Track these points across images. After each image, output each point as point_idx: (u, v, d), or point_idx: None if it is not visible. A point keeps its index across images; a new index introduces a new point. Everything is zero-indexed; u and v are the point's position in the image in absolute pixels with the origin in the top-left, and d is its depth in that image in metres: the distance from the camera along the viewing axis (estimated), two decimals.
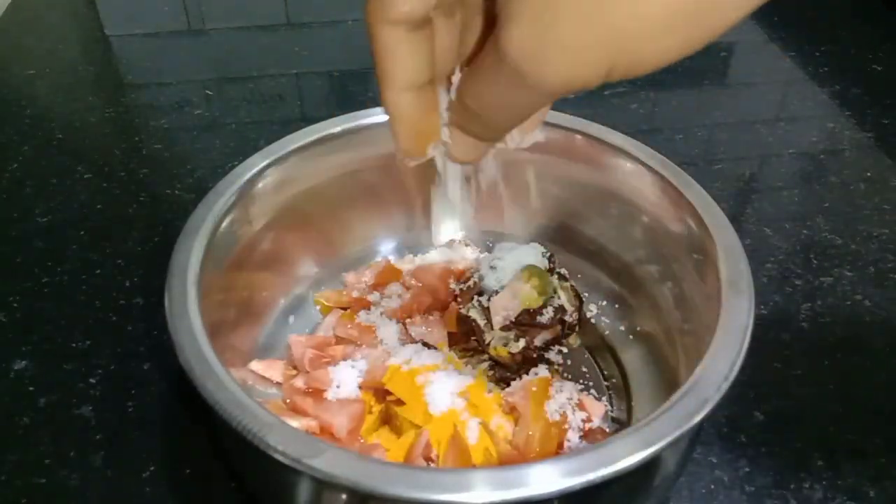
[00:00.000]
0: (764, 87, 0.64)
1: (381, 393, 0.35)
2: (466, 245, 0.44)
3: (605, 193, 0.40)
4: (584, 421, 0.35)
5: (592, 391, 0.37)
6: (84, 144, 0.57)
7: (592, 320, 0.40)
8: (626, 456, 0.24)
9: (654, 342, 0.38)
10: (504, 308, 0.35)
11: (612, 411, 0.36)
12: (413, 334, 0.38)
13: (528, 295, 0.35)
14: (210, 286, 0.32)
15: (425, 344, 0.38)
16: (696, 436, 0.34)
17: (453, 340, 0.38)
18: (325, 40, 0.70)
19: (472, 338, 0.37)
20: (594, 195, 0.40)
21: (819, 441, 0.36)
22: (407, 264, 0.43)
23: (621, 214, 0.39)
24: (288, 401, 0.35)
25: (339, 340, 0.39)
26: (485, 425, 0.34)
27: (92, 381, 0.39)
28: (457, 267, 0.42)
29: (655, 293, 0.38)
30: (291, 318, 0.40)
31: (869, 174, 0.53)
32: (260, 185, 0.37)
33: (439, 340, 0.38)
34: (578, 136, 0.39)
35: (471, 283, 0.37)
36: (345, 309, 0.40)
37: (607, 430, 0.35)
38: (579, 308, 0.37)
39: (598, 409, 0.35)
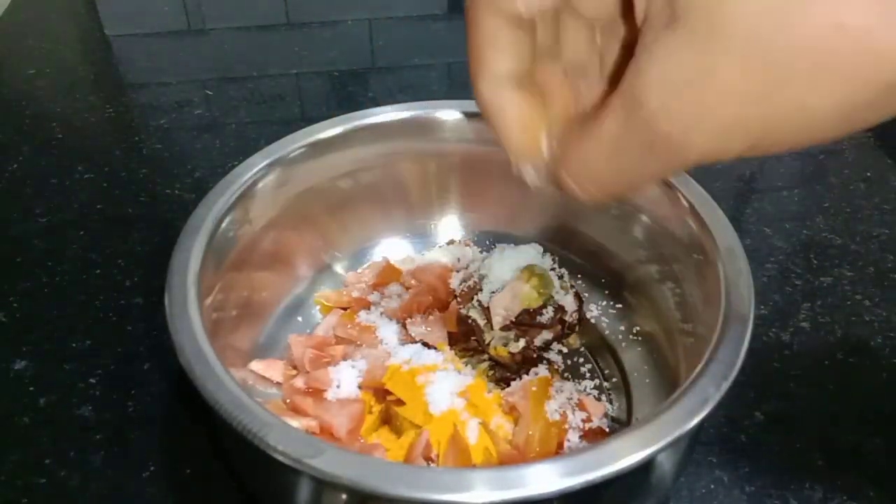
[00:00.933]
0: None
1: (381, 393, 0.35)
2: (466, 245, 0.44)
3: None
4: (584, 421, 0.35)
5: (592, 391, 0.37)
6: (84, 144, 0.57)
7: (592, 320, 0.40)
8: (626, 456, 0.24)
9: (654, 342, 0.38)
10: (504, 308, 0.35)
11: (612, 411, 0.36)
12: (413, 334, 0.38)
13: (528, 295, 0.35)
14: (210, 286, 0.32)
15: (425, 344, 0.38)
16: (696, 436, 0.34)
17: (453, 340, 0.38)
18: (325, 40, 0.70)
19: (472, 338, 0.37)
20: None
21: (819, 441, 0.36)
22: (407, 264, 0.43)
23: (621, 214, 0.39)
24: (288, 401, 0.35)
25: (339, 340, 0.39)
26: (485, 425, 0.34)
27: (92, 381, 0.39)
28: (457, 267, 0.42)
29: (655, 293, 0.38)
30: (291, 319, 0.40)
31: (869, 174, 0.53)
32: (260, 185, 0.37)
33: (439, 340, 0.38)
34: None
35: (471, 283, 0.37)
36: (345, 309, 0.40)
37: (607, 430, 0.35)
38: (579, 308, 0.37)
39: (598, 409, 0.35)
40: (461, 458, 0.33)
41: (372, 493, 0.23)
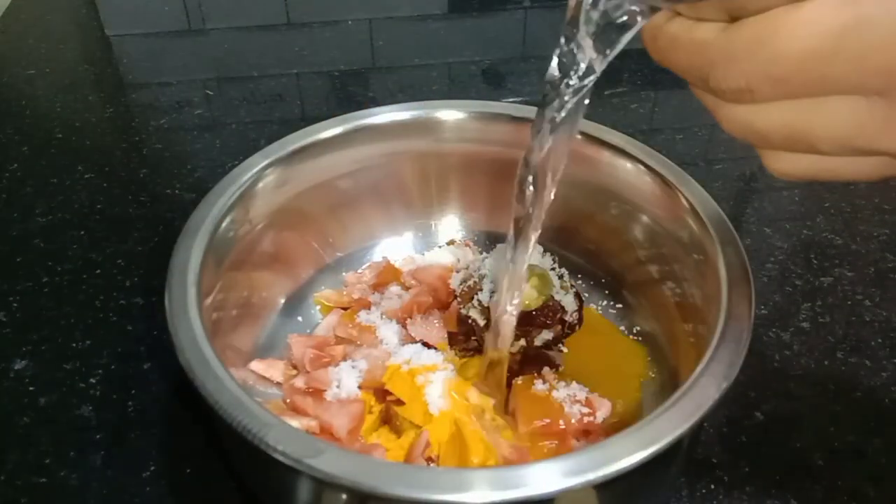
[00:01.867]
0: None
1: (381, 393, 0.35)
2: (466, 245, 0.44)
3: (605, 193, 0.40)
4: (584, 415, 0.34)
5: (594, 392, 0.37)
6: (84, 144, 0.57)
7: None
8: (626, 456, 0.24)
9: (654, 342, 0.38)
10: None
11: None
12: (413, 334, 0.38)
13: (528, 295, 0.35)
14: (210, 286, 0.32)
15: (425, 344, 0.38)
16: (697, 436, 0.34)
17: (453, 340, 0.38)
18: (325, 40, 0.70)
19: (472, 338, 0.37)
20: (594, 195, 0.40)
21: (819, 441, 0.36)
22: (407, 264, 0.43)
23: (621, 214, 0.39)
24: (288, 401, 0.35)
25: (339, 340, 0.39)
26: (484, 424, 0.34)
27: (92, 381, 0.39)
28: (457, 267, 0.42)
29: (655, 293, 0.38)
30: (291, 319, 0.40)
31: None
32: (260, 185, 0.37)
33: (439, 340, 0.38)
34: (578, 136, 0.39)
35: (471, 283, 0.37)
36: (345, 309, 0.40)
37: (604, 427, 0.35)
38: (579, 308, 0.37)
39: (604, 407, 0.35)
40: (461, 458, 0.33)
41: (372, 493, 0.23)
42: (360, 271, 0.43)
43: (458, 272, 0.40)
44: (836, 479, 0.34)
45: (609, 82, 0.63)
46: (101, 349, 0.40)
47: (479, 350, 0.37)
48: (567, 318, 0.36)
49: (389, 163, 0.41)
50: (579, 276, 0.41)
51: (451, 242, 0.44)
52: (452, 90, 0.63)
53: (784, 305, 0.43)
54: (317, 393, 0.35)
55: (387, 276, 0.42)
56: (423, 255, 0.44)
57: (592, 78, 0.23)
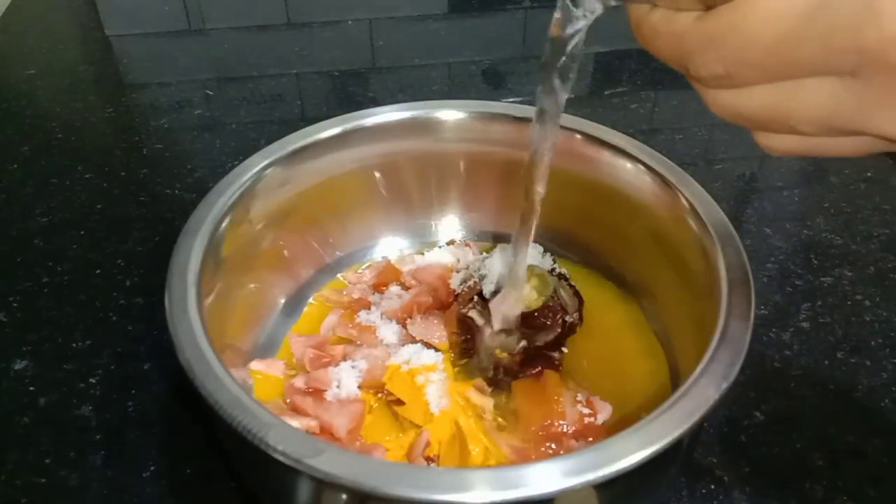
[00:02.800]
0: None
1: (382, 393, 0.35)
2: (466, 245, 0.44)
3: (605, 193, 0.40)
4: (585, 416, 0.34)
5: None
6: (84, 144, 0.57)
7: None
8: (626, 456, 0.24)
9: (654, 342, 0.38)
10: (504, 308, 0.35)
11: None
12: (413, 334, 0.38)
13: (528, 295, 0.35)
14: (210, 286, 0.32)
15: (425, 344, 0.38)
16: (697, 436, 0.34)
17: (453, 340, 0.38)
18: (325, 40, 0.70)
19: (472, 338, 0.37)
20: (594, 195, 0.40)
21: (819, 441, 0.36)
22: (407, 264, 0.43)
23: (621, 214, 0.39)
24: (288, 401, 0.35)
25: (339, 340, 0.39)
26: (484, 424, 0.34)
27: (92, 381, 0.39)
28: (457, 267, 0.42)
29: (656, 293, 0.38)
30: (291, 319, 0.40)
31: (869, 174, 0.53)
32: (260, 185, 0.37)
33: (439, 340, 0.38)
34: (578, 136, 0.39)
35: (471, 283, 0.37)
36: (345, 309, 0.40)
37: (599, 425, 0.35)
38: (579, 308, 0.37)
39: (605, 409, 0.35)
40: (461, 458, 0.33)
41: (372, 493, 0.23)
42: (360, 271, 0.43)
43: (458, 272, 0.40)
44: (836, 479, 0.34)
45: (609, 82, 0.63)
46: (101, 349, 0.40)
47: (479, 350, 0.37)
48: (567, 318, 0.36)
49: (389, 163, 0.41)
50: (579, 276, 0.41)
51: (451, 242, 0.44)
52: (452, 90, 0.63)
53: (784, 305, 0.43)
54: (317, 393, 0.35)
55: (387, 276, 0.42)
56: (423, 255, 0.44)
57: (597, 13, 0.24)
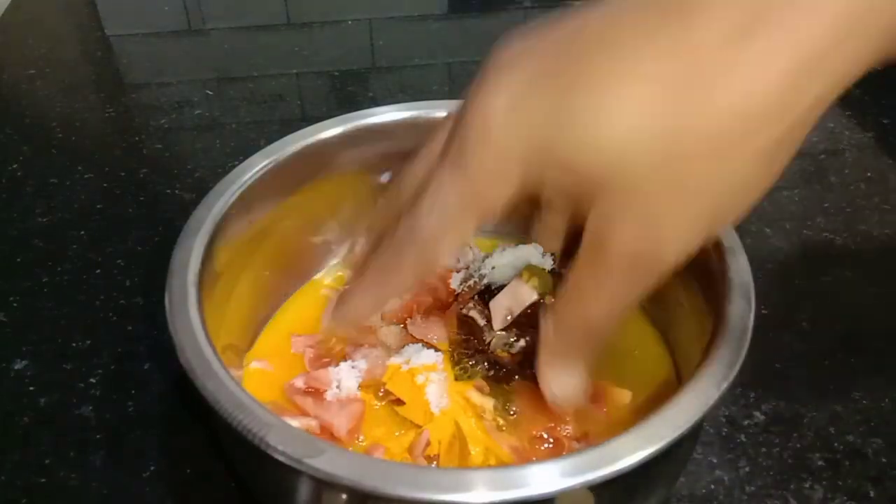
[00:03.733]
0: None
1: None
2: (467, 245, 0.44)
3: None
4: (592, 407, 0.34)
5: None
6: (84, 144, 0.57)
7: None
8: (626, 456, 0.24)
9: (653, 342, 0.38)
10: (505, 308, 0.35)
11: None
12: (413, 334, 0.38)
13: (528, 294, 0.35)
14: (210, 286, 0.32)
15: (425, 344, 0.38)
16: (697, 436, 0.34)
17: (453, 340, 0.38)
18: (325, 40, 0.70)
19: (472, 338, 0.37)
20: None
21: (819, 441, 0.36)
22: None
23: None
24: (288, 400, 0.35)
25: (339, 340, 0.39)
26: (485, 424, 0.34)
27: (92, 381, 0.39)
28: (457, 267, 0.42)
29: (655, 294, 0.38)
30: (292, 318, 0.40)
31: (869, 174, 0.53)
32: (260, 185, 0.37)
33: (439, 340, 0.38)
34: None
35: (471, 283, 0.37)
36: None
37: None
38: None
39: (622, 395, 0.34)
40: (461, 457, 0.33)
41: (372, 493, 0.23)
42: None
43: (458, 272, 0.40)
44: (836, 479, 0.34)
45: None
46: (101, 349, 0.41)
47: (479, 350, 0.37)
48: None
49: (392, 162, 0.41)
50: None
51: None
52: (452, 90, 0.63)
53: (784, 305, 0.43)
54: (317, 393, 0.35)
55: None
56: None
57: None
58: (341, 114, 0.40)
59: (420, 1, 0.77)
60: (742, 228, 0.48)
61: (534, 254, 0.37)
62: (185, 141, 0.57)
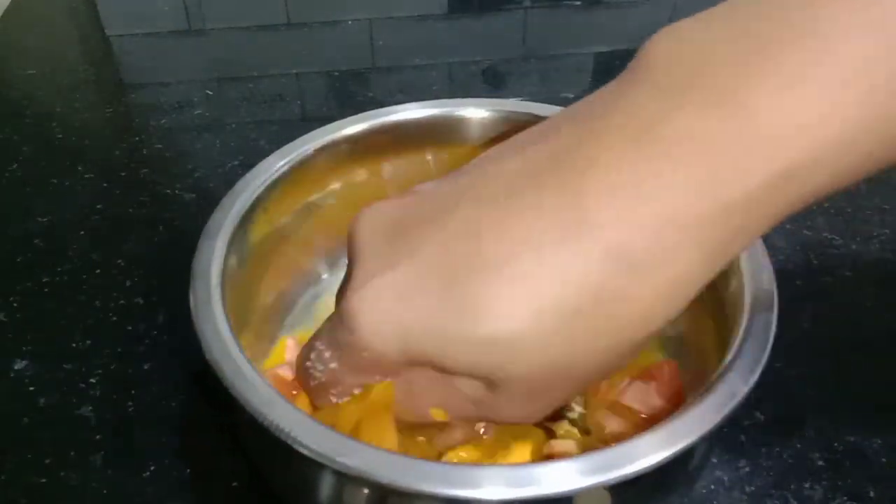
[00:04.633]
0: None
1: None
2: None
3: None
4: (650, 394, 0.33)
5: None
6: (84, 144, 0.57)
7: None
8: (644, 456, 0.24)
9: (671, 344, 0.37)
10: None
11: None
12: None
13: None
14: (231, 288, 0.31)
15: None
16: (716, 437, 0.34)
17: None
18: (325, 40, 0.70)
19: None
20: None
21: (819, 441, 0.36)
22: None
23: None
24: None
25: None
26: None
27: (92, 381, 0.39)
28: None
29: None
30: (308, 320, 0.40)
31: None
32: (279, 184, 0.36)
33: None
34: None
35: None
36: None
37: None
38: None
39: (668, 367, 0.34)
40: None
41: (388, 486, 0.23)
42: None
43: None
44: (836, 479, 0.35)
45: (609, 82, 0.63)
46: (101, 349, 0.40)
47: None
48: None
49: (413, 161, 0.41)
50: None
51: None
52: (453, 90, 0.63)
53: (784, 305, 0.43)
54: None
55: None
56: None
57: None
58: (341, 114, 0.40)
59: (420, 1, 0.77)
60: None
61: None
62: (185, 141, 0.57)
